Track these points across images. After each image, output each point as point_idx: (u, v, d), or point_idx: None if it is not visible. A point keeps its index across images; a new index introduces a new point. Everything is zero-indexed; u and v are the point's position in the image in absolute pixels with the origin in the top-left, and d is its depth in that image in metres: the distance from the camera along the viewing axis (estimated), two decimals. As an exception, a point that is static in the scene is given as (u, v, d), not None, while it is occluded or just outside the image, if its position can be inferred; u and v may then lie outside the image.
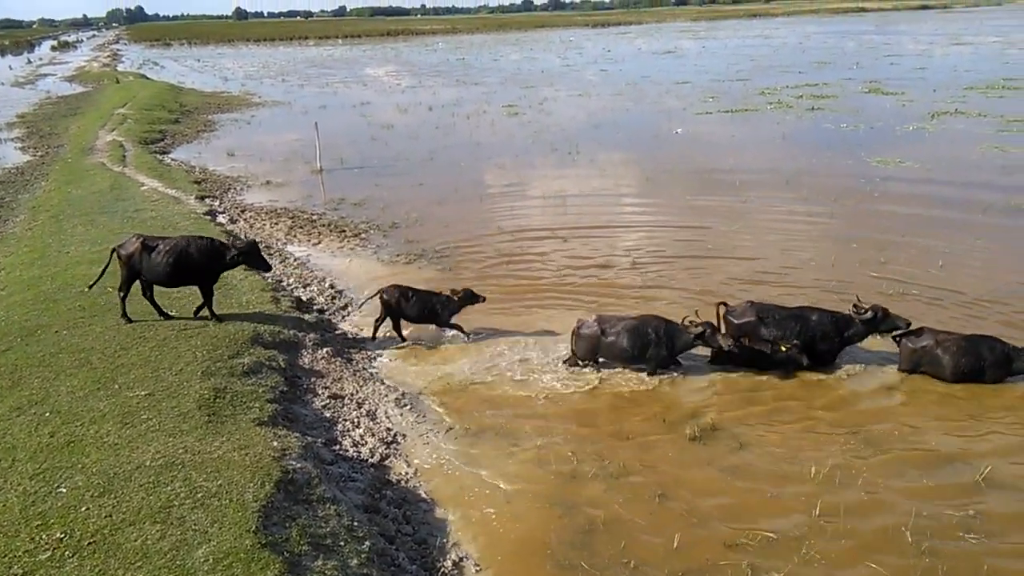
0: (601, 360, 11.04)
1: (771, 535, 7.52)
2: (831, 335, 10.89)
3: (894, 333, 10.86)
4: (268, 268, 12.69)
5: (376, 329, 12.31)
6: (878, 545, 7.38)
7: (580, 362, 11.06)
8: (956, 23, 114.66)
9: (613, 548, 7.44)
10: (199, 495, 7.26)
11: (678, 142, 28.66)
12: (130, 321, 11.61)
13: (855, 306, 11.00)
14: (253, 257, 11.94)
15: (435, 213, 19.88)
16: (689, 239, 17.08)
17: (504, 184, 23.18)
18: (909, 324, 10.81)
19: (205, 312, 11.92)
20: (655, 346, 10.66)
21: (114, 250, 11.69)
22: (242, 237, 11.84)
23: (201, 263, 11.55)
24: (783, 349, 10.68)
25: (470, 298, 12.19)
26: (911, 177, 21.77)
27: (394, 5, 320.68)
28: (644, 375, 10.83)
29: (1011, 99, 35.32)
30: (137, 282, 11.65)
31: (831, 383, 10.59)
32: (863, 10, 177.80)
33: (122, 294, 11.64)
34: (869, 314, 10.80)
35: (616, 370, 11.03)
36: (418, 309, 12.08)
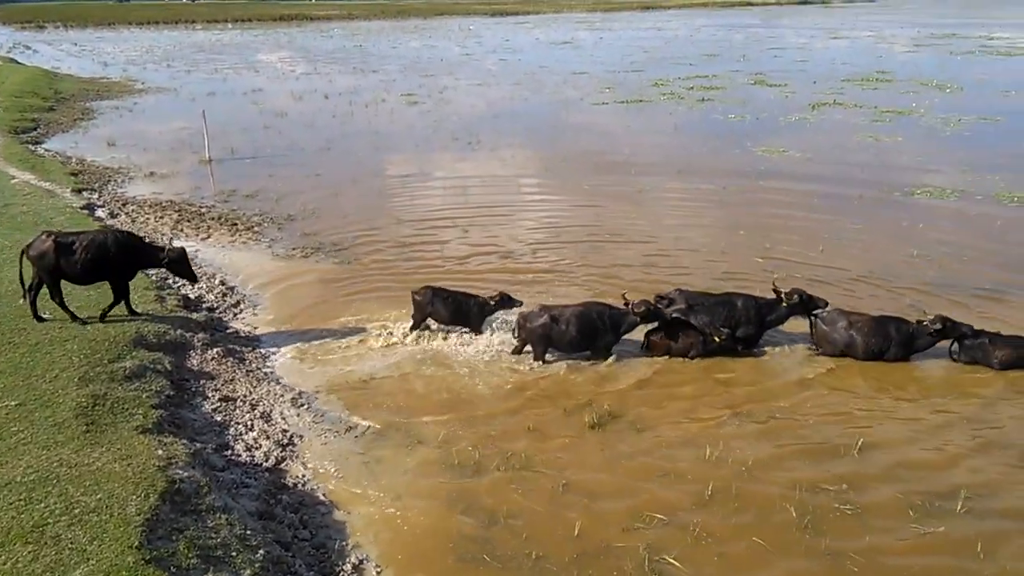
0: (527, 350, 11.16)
1: (664, 518, 7.73)
2: (755, 320, 11.25)
3: (812, 314, 11.30)
4: (195, 279, 12.18)
5: (414, 328, 11.85)
6: (765, 522, 7.71)
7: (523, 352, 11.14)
8: (834, 18, 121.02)
9: (515, 540, 7.47)
10: (76, 511, 6.82)
11: (576, 132, 29.01)
12: (84, 323, 10.99)
13: (775, 291, 11.39)
14: (181, 265, 11.57)
15: (332, 204, 19.39)
16: (587, 225, 17.37)
17: (404, 174, 22.85)
18: (827, 304, 11.32)
19: (121, 311, 11.28)
20: (603, 332, 10.88)
21: (23, 251, 10.81)
22: (172, 244, 11.44)
23: (120, 258, 10.95)
24: (717, 340, 10.92)
25: (507, 302, 11.77)
26: (794, 166, 22.84)
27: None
28: (545, 366, 10.93)
29: (883, 91, 37.58)
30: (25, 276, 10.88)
31: (726, 366, 10.95)
32: (750, 4, 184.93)
33: (57, 300, 10.92)
34: (796, 298, 11.21)
35: (517, 360, 11.07)
36: (452, 311, 11.72)
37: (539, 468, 8.63)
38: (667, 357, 11.11)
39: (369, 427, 9.42)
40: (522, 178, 22.24)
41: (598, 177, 21.98)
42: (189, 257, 11.86)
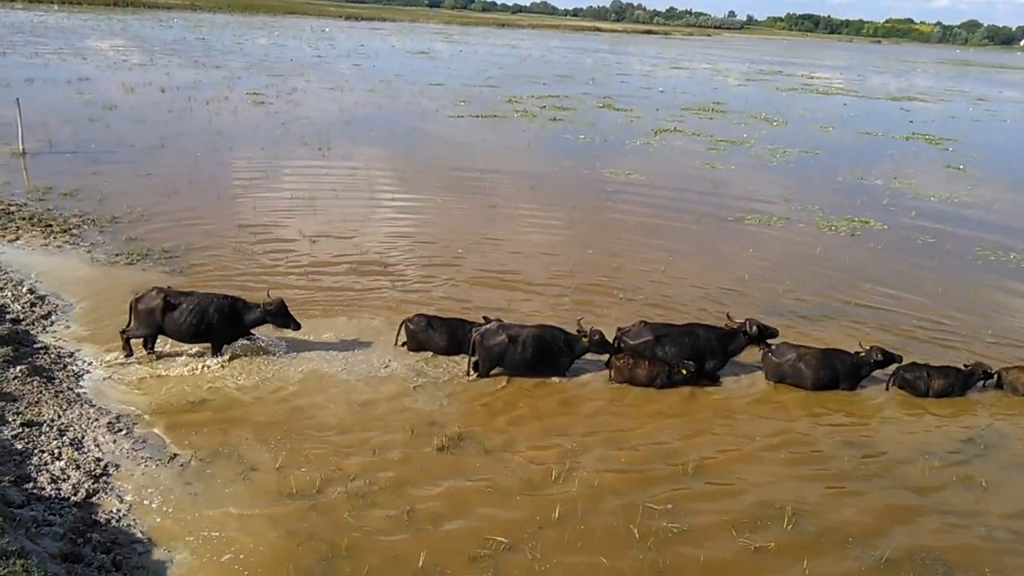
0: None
1: (507, 540, 7.63)
2: (719, 350, 11.42)
3: (764, 345, 11.57)
4: (299, 326, 11.36)
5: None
6: (609, 542, 7.79)
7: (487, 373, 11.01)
8: (675, 48, 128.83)
9: (357, 575, 7.07)
10: None
11: (431, 144, 28.80)
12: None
13: (730, 321, 11.62)
14: (282, 316, 11.18)
15: (165, 208, 17.98)
16: (438, 238, 17.17)
17: (247, 178, 21.66)
18: (777, 332, 11.67)
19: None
20: (561, 354, 11.01)
21: (132, 303, 10.69)
22: (269, 297, 11.25)
23: (221, 324, 10.87)
24: (683, 373, 10.98)
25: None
26: (638, 188, 23.80)
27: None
28: (389, 385, 10.58)
29: (718, 121, 40.22)
30: None
31: (572, 388, 11.06)
32: (598, 29, 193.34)
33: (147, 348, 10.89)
34: (755, 329, 11.43)
35: (365, 380, 10.65)
36: (447, 339, 11.33)
37: (383, 494, 8.28)
38: (516, 377, 11.05)
39: (197, 453, 8.66)
40: (374, 187, 21.73)
41: (452, 190, 21.88)
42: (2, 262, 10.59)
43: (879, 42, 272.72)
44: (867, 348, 11.59)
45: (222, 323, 10.90)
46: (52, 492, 7.75)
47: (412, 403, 10.22)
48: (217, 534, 7.45)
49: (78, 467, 8.16)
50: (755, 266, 16.87)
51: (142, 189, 19.34)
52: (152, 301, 10.63)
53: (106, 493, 7.86)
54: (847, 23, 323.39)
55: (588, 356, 11.56)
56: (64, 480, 7.95)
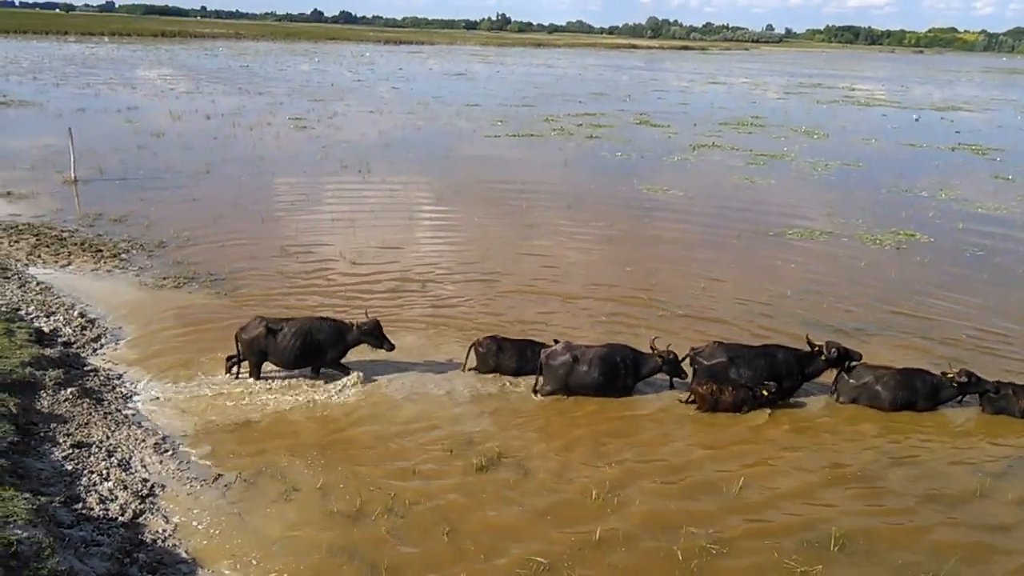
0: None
1: (546, 562, 7.55)
2: (796, 372, 11.14)
3: (844, 367, 11.23)
4: (392, 347, 11.53)
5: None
6: (651, 563, 7.66)
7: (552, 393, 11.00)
8: (711, 64, 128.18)
9: (397, 594, 7.09)
10: None
11: (469, 164, 29.03)
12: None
13: (811, 344, 11.31)
14: (376, 337, 11.39)
15: (210, 232, 18.40)
16: (478, 260, 17.22)
17: (289, 202, 22.07)
18: (860, 357, 11.32)
19: None
20: (624, 375, 10.88)
21: (236, 334, 11.02)
22: (368, 316, 11.66)
23: (324, 344, 11.12)
24: (765, 394, 10.78)
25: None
26: (676, 204, 23.64)
27: (170, 4, 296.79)
28: (431, 404, 10.61)
29: (757, 135, 39.80)
30: None
31: (614, 407, 10.92)
32: (634, 47, 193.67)
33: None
34: (834, 352, 11.12)
35: (407, 398, 10.70)
36: (516, 360, 11.46)
37: (423, 513, 8.28)
38: (567, 397, 10.94)
39: (240, 474, 8.78)
40: (413, 208, 21.95)
41: (490, 209, 21.99)
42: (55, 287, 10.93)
43: (921, 52, 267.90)
44: (956, 370, 11.13)
45: (325, 345, 11.10)
46: (100, 512, 7.91)
47: (454, 422, 10.23)
48: (260, 554, 7.52)
49: (125, 488, 8.33)
50: (798, 281, 16.58)
51: (188, 214, 19.83)
52: (255, 330, 10.90)
53: (152, 513, 8.01)
54: (888, 34, 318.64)
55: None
56: (112, 500, 8.12)
